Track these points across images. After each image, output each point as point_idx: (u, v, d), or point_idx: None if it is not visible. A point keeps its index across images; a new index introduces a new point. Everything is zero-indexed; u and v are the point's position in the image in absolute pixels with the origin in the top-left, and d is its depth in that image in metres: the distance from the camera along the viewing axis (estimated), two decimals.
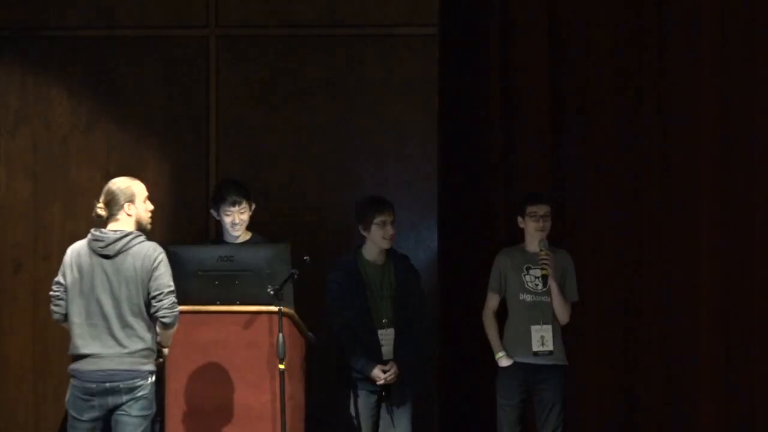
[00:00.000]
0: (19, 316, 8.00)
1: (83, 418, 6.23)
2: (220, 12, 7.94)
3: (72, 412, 6.25)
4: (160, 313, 6.22)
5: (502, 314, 7.46)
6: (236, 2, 7.93)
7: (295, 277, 6.56)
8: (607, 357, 8.01)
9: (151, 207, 6.37)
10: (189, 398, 6.62)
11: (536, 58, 8.08)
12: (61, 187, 7.97)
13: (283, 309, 6.51)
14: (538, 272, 7.32)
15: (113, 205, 6.29)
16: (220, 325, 6.62)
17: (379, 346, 7.05)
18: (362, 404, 7.07)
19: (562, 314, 7.34)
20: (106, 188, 6.32)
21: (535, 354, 7.29)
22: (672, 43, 7.95)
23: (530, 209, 7.37)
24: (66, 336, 6.30)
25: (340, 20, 7.87)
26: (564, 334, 7.40)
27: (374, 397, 7.07)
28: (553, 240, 7.50)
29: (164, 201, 7.91)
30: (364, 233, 7.11)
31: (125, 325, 6.21)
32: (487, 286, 7.50)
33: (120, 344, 6.20)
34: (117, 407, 6.20)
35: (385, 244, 7.11)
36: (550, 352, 7.29)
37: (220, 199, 7.13)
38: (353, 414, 7.06)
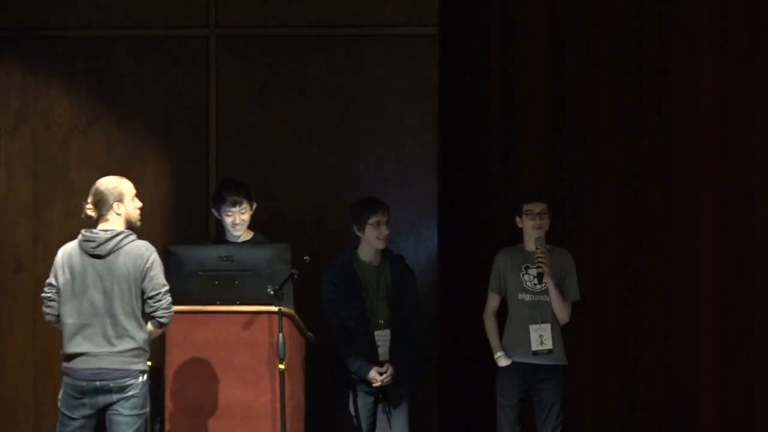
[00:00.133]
0: (19, 315, 8.00)
1: (74, 416, 6.26)
2: (220, 12, 7.94)
3: (63, 410, 6.29)
4: (158, 313, 6.24)
5: (504, 314, 7.47)
6: (236, 2, 7.93)
7: (295, 277, 6.56)
8: (607, 357, 8.01)
9: (139, 204, 6.40)
10: (189, 398, 6.63)
11: (536, 58, 8.09)
12: (61, 187, 7.97)
13: (283, 309, 6.51)
14: (535, 271, 7.33)
15: (102, 205, 6.32)
16: (220, 325, 6.62)
17: (375, 347, 7.05)
18: (359, 405, 7.07)
19: (561, 313, 7.33)
20: (94, 188, 6.35)
21: (534, 353, 7.29)
22: (672, 43, 7.96)
23: (526, 207, 7.37)
24: None
25: (340, 20, 7.87)
26: (564, 333, 7.40)
27: (371, 398, 7.07)
28: (554, 240, 7.50)
29: (164, 201, 7.92)
30: (359, 233, 7.11)
31: (117, 324, 6.24)
32: (488, 287, 7.52)
33: (111, 343, 6.23)
34: (108, 406, 6.23)
35: (380, 245, 7.11)
36: (550, 351, 7.28)
37: (220, 200, 7.13)
38: (352, 413, 7.06)
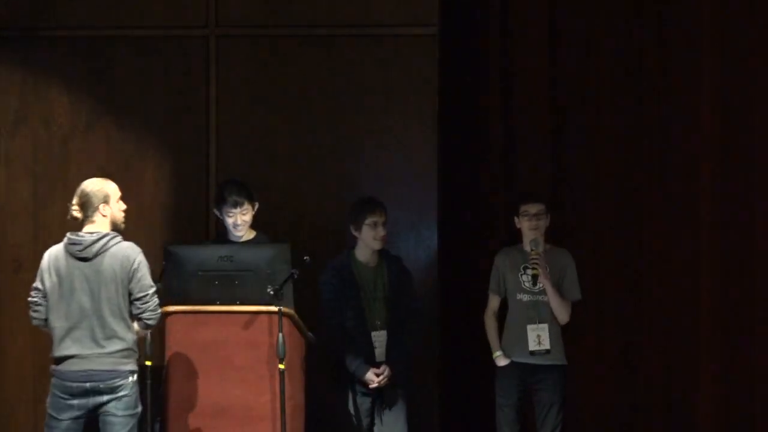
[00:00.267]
0: (19, 315, 7.98)
1: (61, 418, 6.28)
2: (220, 12, 7.94)
3: (51, 412, 6.32)
4: (145, 315, 6.29)
5: (505, 314, 7.48)
6: (236, 2, 7.93)
7: (295, 277, 6.56)
8: (607, 357, 8.01)
9: (124, 206, 6.44)
10: (189, 398, 6.62)
11: (536, 58, 8.09)
12: (61, 187, 7.96)
13: (283, 309, 6.51)
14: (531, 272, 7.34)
15: (88, 206, 6.35)
16: (220, 325, 6.62)
17: (372, 347, 7.05)
18: (356, 407, 7.07)
19: (560, 313, 7.33)
20: (79, 190, 6.37)
21: (532, 353, 7.30)
22: (672, 43, 7.96)
23: (523, 208, 7.38)
24: None
25: (340, 20, 7.86)
26: (564, 333, 7.40)
27: (368, 399, 7.07)
28: (554, 239, 7.51)
29: (164, 201, 7.92)
30: (356, 233, 7.11)
31: (105, 326, 6.27)
32: (487, 287, 7.52)
33: (100, 345, 6.26)
34: (99, 407, 6.25)
35: (376, 245, 7.10)
36: (547, 351, 7.29)
37: (222, 201, 7.13)
38: (351, 414, 7.05)
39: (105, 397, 6.24)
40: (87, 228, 6.36)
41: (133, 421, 6.31)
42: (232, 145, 7.91)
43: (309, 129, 7.88)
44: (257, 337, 6.58)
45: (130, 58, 7.96)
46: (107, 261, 6.29)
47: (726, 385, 7.82)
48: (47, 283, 6.34)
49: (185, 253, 6.72)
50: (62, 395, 6.27)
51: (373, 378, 6.99)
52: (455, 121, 8.03)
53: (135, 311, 6.30)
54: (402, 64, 7.82)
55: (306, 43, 7.89)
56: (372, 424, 7.10)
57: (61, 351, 6.30)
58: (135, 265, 6.31)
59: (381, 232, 7.08)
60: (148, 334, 6.51)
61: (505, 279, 7.44)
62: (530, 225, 7.36)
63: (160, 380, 6.64)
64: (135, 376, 6.32)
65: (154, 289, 6.32)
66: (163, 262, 6.72)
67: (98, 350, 6.26)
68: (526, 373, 7.33)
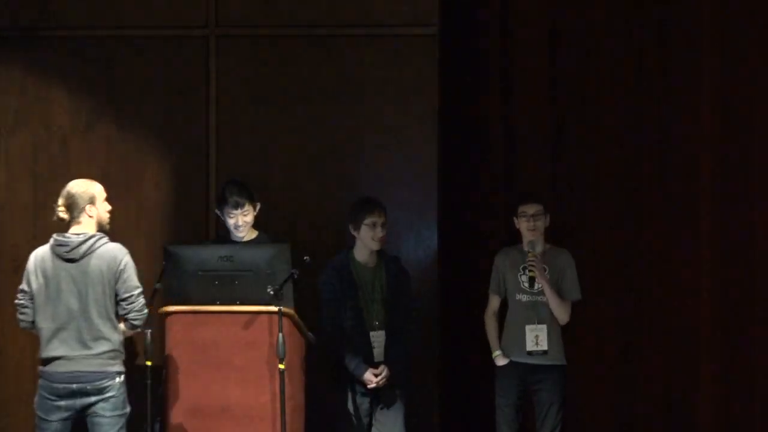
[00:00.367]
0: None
1: (50, 419, 6.31)
2: (220, 12, 7.94)
3: (39, 413, 6.35)
4: (131, 315, 6.33)
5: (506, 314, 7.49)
6: (236, 2, 7.92)
7: (295, 277, 6.56)
8: (607, 357, 8.01)
9: (109, 207, 6.47)
10: (189, 398, 6.63)
11: (536, 58, 8.09)
12: (61, 187, 7.94)
13: (283, 309, 6.51)
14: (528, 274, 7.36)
15: (74, 208, 6.39)
16: (220, 325, 6.62)
17: (371, 348, 7.05)
18: (355, 407, 7.07)
19: (560, 314, 7.34)
20: (65, 191, 6.41)
21: (529, 353, 7.31)
22: (672, 43, 7.95)
23: (521, 209, 7.39)
24: None
25: (340, 20, 7.86)
26: (564, 333, 7.40)
27: (368, 399, 7.07)
28: (554, 239, 7.51)
29: (164, 201, 7.92)
30: (354, 233, 7.11)
31: (92, 327, 6.30)
32: (487, 287, 7.53)
33: (87, 346, 6.29)
34: (87, 408, 6.28)
35: (374, 246, 7.10)
36: (545, 352, 7.30)
37: (223, 201, 7.13)
38: (349, 414, 7.05)
39: (92, 398, 6.28)
40: (73, 229, 6.39)
41: (121, 422, 6.35)
42: (232, 145, 7.91)
43: (309, 129, 7.87)
44: (257, 337, 6.58)
45: (130, 58, 7.95)
46: (94, 262, 6.32)
47: (726, 385, 7.82)
48: (34, 285, 6.37)
49: (185, 253, 6.72)
50: (49, 396, 6.30)
51: (372, 378, 6.99)
52: (455, 121, 8.03)
53: (121, 312, 6.35)
54: (402, 64, 7.81)
55: (306, 43, 7.89)
56: (370, 423, 7.10)
57: (48, 352, 6.33)
58: (121, 266, 6.35)
59: (380, 232, 7.08)
60: (148, 334, 6.52)
61: (504, 279, 7.44)
62: (528, 226, 7.36)
63: (160, 380, 6.64)
64: (122, 377, 6.37)
65: (140, 290, 6.37)
66: (163, 262, 6.72)
67: (85, 351, 6.30)
68: (525, 372, 7.33)
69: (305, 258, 6.67)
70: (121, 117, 7.96)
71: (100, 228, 6.46)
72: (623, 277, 8.01)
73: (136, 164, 7.93)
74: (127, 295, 6.35)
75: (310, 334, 6.81)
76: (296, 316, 6.66)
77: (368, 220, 7.07)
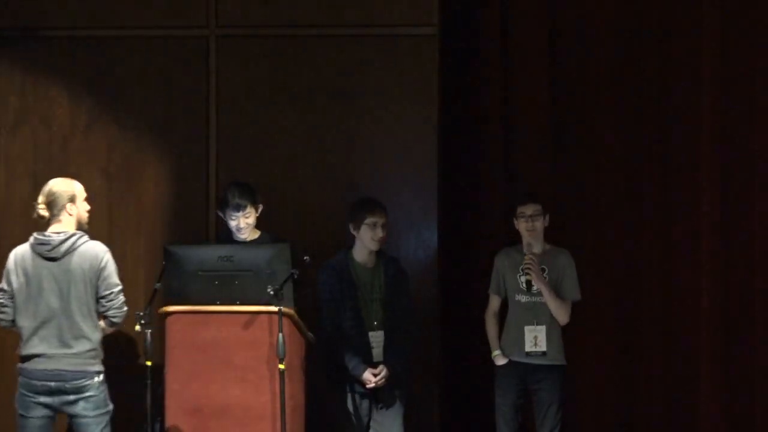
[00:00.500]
0: None
1: (30, 416, 6.35)
2: (220, 12, 7.94)
3: (20, 410, 6.39)
4: (110, 313, 6.37)
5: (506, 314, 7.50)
6: (236, 2, 7.92)
7: (295, 277, 6.56)
8: (607, 357, 8.01)
9: (88, 207, 6.50)
10: (189, 398, 6.63)
11: (536, 58, 8.09)
12: None
13: (283, 309, 6.51)
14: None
15: (54, 206, 6.43)
16: (220, 325, 6.62)
17: (369, 348, 7.05)
18: (354, 407, 7.07)
19: (559, 315, 7.34)
20: (46, 189, 6.44)
21: (528, 354, 7.32)
22: (672, 43, 7.95)
23: (519, 210, 7.40)
24: None
25: (341, 20, 7.86)
26: (564, 333, 7.40)
27: (366, 400, 7.07)
28: (554, 239, 7.51)
29: (164, 201, 7.92)
30: (354, 233, 7.12)
31: (74, 325, 6.33)
32: (487, 288, 7.54)
33: (67, 345, 6.33)
34: (67, 407, 6.30)
35: (374, 246, 7.10)
36: (543, 353, 7.30)
37: (225, 204, 7.13)
38: (348, 414, 7.06)
39: (71, 397, 6.32)
40: (53, 227, 6.43)
41: (105, 420, 6.41)
42: (232, 145, 7.91)
43: (309, 129, 7.87)
44: (257, 337, 6.58)
45: (130, 58, 7.95)
46: (75, 260, 6.36)
47: (726, 385, 7.82)
48: (14, 284, 6.40)
49: (185, 253, 6.72)
50: (28, 393, 6.34)
51: (371, 378, 6.99)
52: (455, 122, 8.03)
53: (101, 309, 6.39)
54: (402, 64, 7.81)
55: (306, 43, 7.89)
56: (369, 423, 7.10)
57: (28, 349, 6.37)
58: (103, 264, 6.40)
59: (380, 233, 7.08)
60: (148, 334, 6.53)
61: (504, 280, 7.45)
62: (526, 226, 7.37)
63: (160, 380, 6.65)
64: (101, 376, 6.43)
65: (119, 288, 6.43)
66: (163, 262, 6.73)
67: (66, 350, 6.34)
68: (525, 372, 7.34)
69: (305, 258, 6.67)
70: (121, 117, 7.96)
71: (80, 227, 6.51)
72: (623, 277, 8.01)
73: (136, 164, 7.93)
74: (107, 292, 6.41)
75: (310, 334, 6.81)
76: (296, 316, 6.66)
77: (369, 220, 7.07)
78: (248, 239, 7.15)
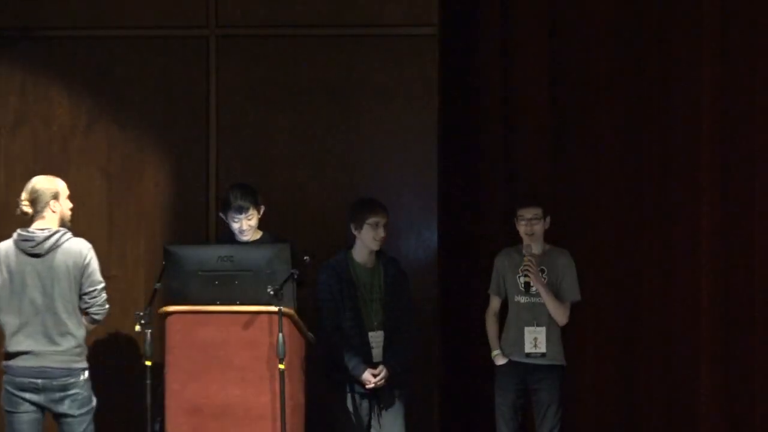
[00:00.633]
0: None
1: (18, 411, 6.37)
2: (220, 12, 7.94)
3: (7, 408, 6.42)
4: (92, 310, 6.41)
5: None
6: (236, 2, 7.92)
7: (296, 277, 6.56)
8: (607, 357, 8.01)
9: (71, 205, 6.55)
10: (189, 398, 6.62)
11: (536, 57, 8.09)
12: None
13: (283, 309, 6.50)
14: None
15: (38, 202, 6.47)
16: (220, 325, 6.62)
17: (369, 348, 7.05)
18: (354, 406, 7.07)
19: (558, 316, 7.34)
20: (30, 186, 6.49)
21: (527, 355, 7.32)
22: (672, 43, 7.95)
23: (519, 212, 7.41)
24: None
25: (340, 20, 7.86)
26: (564, 333, 7.40)
27: (366, 400, 7.07)
28: (554, 239, 7.51)
29: (164, 201, 7.92)
30: (355, 233, 7.12)
31: (59, 322, 6.36)
32: (487, 288, 7.54)
33: (54, 342, 6.36)
34: (52, 404, 6.30)
35: (375, 246, 7.10)
36: (543, 355, 7.31)
37: (227, 206, 7.13)
38: (347, 414, 7.06)
39: (57, 395, 6.35)
40: (36, 224, 6.46)
41: (89, 417, 6.47)
42: (232, 145, 7.91)
43: (309, 129, 7.88)
44: (257, 337, 6.58)
45: (130, 58, 7.95)
46: (59, 257, 6.39)
47: (726, 385, 7.82)
48: None
49: (185, 253, 6.72)
50: (14, 391, 6.36)
51: (370, 378, 6.99)
52: (455, 121, 8.03)
53: (83, 305, 6.42)
54: (402, 64, 7.81)
55: (306, 43, 7.89)
56: (368, 424, 7.10)
57: (13, 347, 6.39)
58: (86, 261, 6.44)
59: (381, 233, 7.09)
60: (148, 334, 6.53)
61: (504, 280, 7.45)
62: (525, 229, 7.38)
63: (160, 380, 6.64)
64: (86, 374, 6.44)
65: (102, 285, 6.48)
66: (163, 262, 6.73)
67: (52, 347, 6.36)
68: (524, 372, 7.34)
69: (305, 258, 6.68)
70: (121, 117, 7.96)
71: (63, 224, 6.55)
72: (623, 277, 8.01)
73: (136, 164, 7.93)
74: (91, 289, 6.45)
75: (310, 334, 6.81)
76: (296, 316, 6.66)
77: (371, 220, 7.07)
78: (251, 240, 7.15)
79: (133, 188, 7.92)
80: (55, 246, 6.42)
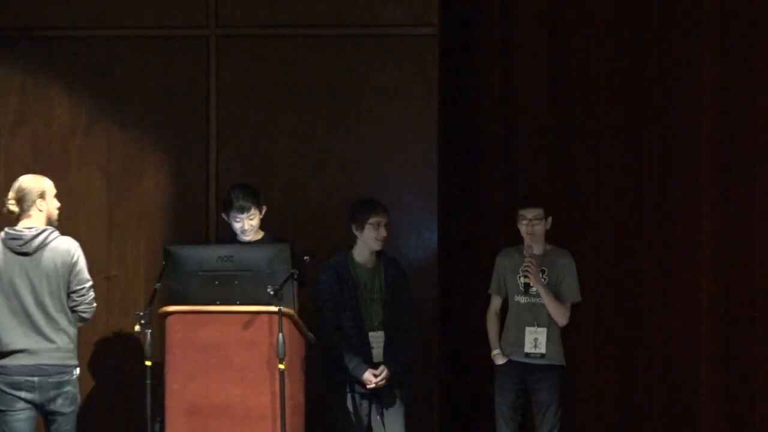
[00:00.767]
0: None
1: (14, 409, 6.36)
2: (220, 12, 7.94)
3: (1, 407, 6.39)
4: (80, 308, 6.43)
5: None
6: (236, 2, 7.92)
7: (295, 277, 6.56)
8: (607, 357, 8.01)
9: (58, 204, 6.56)
10: (189, 398, 6.62)
11: (536, 57, 8.09)
12: (61, 187, 7.95)
13: (283, 309, 6.50)
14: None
15: (25, 201, 6.49)
16: (220, 325, 6.62)
17: (369, 348, 7.05)
18: (354, 406, 7.07)
19: (558, 316, 7.35)
20: (16, 185, 6.52)
21: (527, 356, 7.33)
22: (672, 43, 7.95)
23: (520, 213, 7.42)
24: None
25: (340, 20, 7.86)
26: (564, 334, 7.40)
27: (366, 400, 7.07)
28: (554, 239, 7.51)
29: (164, 201, 7.92)
30: (357, 233, 7.12)
31: (50, 319, 6.39)
32: (488, 288, 7.54)
33: (49, 339, 6.39)
34: (46, 403, 6.31)
35: (376, 246, 7.11)
36: (542, 355, 7.31)
37: (229, 206, 7.13)
38: (347, 415, 7.06)
39: (51, 393, 6.37)
40: (23, 223, 6.48)
41: (75, 416, 6.53)
42: (232, 145, 7.91)
43: (309, 129, 7.88)
44: (257, 337, 6.57)
45: (130, 58, 7.95)
46: (48, 255, 6.41)
47: (726, 385, 7.82)
48: None
49: (185, 253, 6.72)
50: (9, 390, 6.36)
51: (371, 378, 6.99)
52: (455, 121, 8.03)
53: (71, 303, 6.44)
54: (402, 64, 7.82)
55: (306, 43, 7.89)
56: (369, 424, 7.10)
57: (6, 346, 6.38)
58: (74, 259, 6.47)
59: (383, 232, 7.10)
60: (148, 334, 6.53)
61: (505, 280, 7.45)
62: (526, 230, 7.39)
63: (160, 380, 6.64)
64: (78, 371, 6.48)
65: (90, 284, 6.51)
66: (163, 262, 6.73)
67: (47, 345, 6.38)
68: (524, 372, 7.35)
69: (305, 258, 6.68)
70: (121, 117, 7.96)
71: (49, 222, 6.56)
72: (623, 277, 8.01)
73: (136, 164, 7.93)
74: (79, 287, 6.47)
75: (310, 334, 6.81)
76: (296, 316, 6.66)
77: (373, 220, 7.08)
78: (252, 239, 7.15)
79: (133, 188, 7.92)
80: (43, 244, 6.44)
